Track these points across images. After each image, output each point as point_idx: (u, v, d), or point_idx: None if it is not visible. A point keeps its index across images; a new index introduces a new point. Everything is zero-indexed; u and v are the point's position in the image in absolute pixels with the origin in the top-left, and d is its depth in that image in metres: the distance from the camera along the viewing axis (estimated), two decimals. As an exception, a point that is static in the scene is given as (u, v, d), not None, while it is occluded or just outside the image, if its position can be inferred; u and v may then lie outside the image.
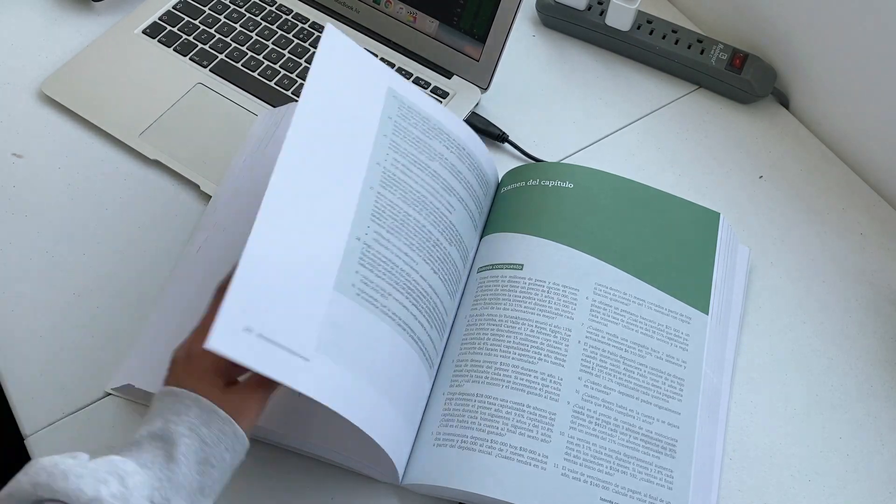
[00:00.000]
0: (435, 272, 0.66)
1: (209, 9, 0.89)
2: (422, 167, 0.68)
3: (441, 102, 0.84)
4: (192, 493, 0.51)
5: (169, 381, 0.55)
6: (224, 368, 0.54)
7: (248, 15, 0.89)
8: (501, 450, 0.61)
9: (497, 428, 0.62)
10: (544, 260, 0.69)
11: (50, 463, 0.48)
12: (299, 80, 0.84)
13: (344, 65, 0.66)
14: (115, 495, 0.47)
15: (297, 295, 0.56)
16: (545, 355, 0.65)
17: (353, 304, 0.59)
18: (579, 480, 0.60)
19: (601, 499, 0.60)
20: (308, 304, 0.57)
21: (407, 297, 0.63)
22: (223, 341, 0.51)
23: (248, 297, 0.53)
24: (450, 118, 0.72)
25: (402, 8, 0.86)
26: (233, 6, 0.89)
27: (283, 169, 0.58)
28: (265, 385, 0.55)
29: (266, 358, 0.52)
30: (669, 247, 0.72)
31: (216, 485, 0.52)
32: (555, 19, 0.92)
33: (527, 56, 0.92)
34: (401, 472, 0.62)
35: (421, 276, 0.64)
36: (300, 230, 0.58)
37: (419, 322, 0.63)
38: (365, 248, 0.61)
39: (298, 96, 0.83)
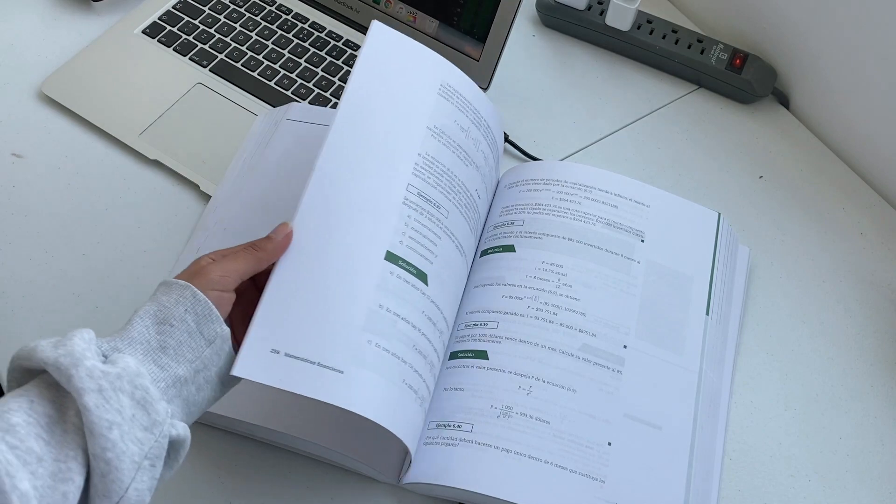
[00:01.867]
0: (457, 284, 0.67)
1: (209, 9, 0.89)
2: (465, 166, 0.68)
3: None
4: (152, 350, 0.50)
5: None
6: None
7: (247, 15, 0.89)
8: (501, 447, 0.61)
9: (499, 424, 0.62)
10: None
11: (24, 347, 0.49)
12: (299, 80, 0.84)
13: (392, 61, 0.66)
14: (50, 342, 0.47)
15: (329, 307, 0.56)
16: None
17: (392, 317, 0.59)
18: (577, 473, 0.60)
19: (608, 499, 0.60)
20: (343, 315, 0.56)
21: (441, 292, 0.63)
22: (250, 368, 0.51)
23: (275, 318, 0.53)
24: (493, 116, 0.73)
25: (402, 8, 0.86)
26: (233, 6, 0.89)
27: (317, 182, 0.59)
28: (233, 255, 0.55)
29: (297, 376, 0.52)
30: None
31: (182, 347, 0.51)
32: (555, 19, 0.92)
33: (527, 56, 0.92)
34: (395, 478, 0.62)
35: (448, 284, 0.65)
36: (335, 241, 0.58)
37: (444, 318, 0.64)
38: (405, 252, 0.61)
39: (298, 96, 0.83)
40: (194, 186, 0.78)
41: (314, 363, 0.54)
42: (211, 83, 0.84)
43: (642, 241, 0.72)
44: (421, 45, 0.69)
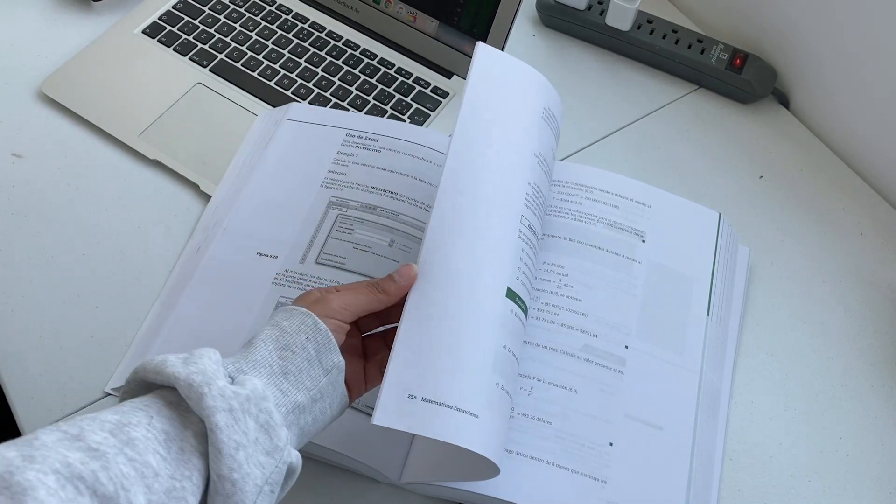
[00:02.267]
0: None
1: (209, 9, 0.89)
2: (549, 191, 0.68)
3: (441, 102, 0.84)
4: (274, 374, 0.50)
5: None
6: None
7: (247, 15, 0.89)
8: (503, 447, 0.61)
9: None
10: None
11: (153, 358, 0.49)
12: (299, 80, 0.84)
13: (501, 84, 0.65)
14: (179, 358, 0.48)
15: (461, 349, 0.54)
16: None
17: (511, 357, 0.58)
18: (578, 473, 0.60)
19: (608, 499, 0.60)
20: (475, 357, 0.55)
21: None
22: (388, 416, 0.50)
23: (409, 361, 0.53)
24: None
25: (402, 8, 0.86)
26: (232, 6, 0.89)
27: (438, 217, 0.58)
28: (354, 290, 0.56)
29: (435, 422, 0.51)
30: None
31: (302, 374, 0.51)
32: (555, 19, 0.92)
33: (527, 56, 0.92)
34: (395, 477, 0.62)
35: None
36: (462, 280, 0.56)
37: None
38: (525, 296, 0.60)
39: (298, 96, 0.83)
40: (194, 186, 0.78)
41: (451, 407, 0.52)
42: (211, 83, 0.84)
43: (643, 241, 0.72)
44: (525, 64, 0.67)
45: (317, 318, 0.52)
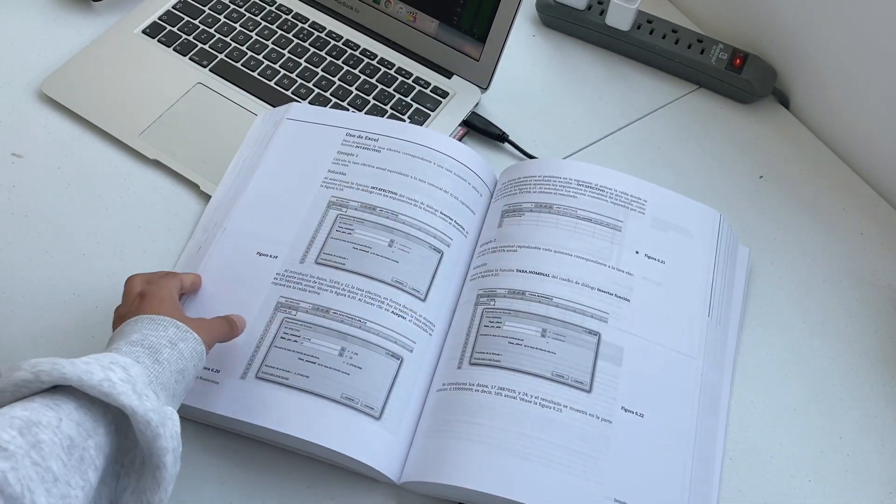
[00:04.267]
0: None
1: (209, 9, 0.89)
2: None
3: (441, 102, 0.84)
4: (170, 397, 0.54)
5: (125, 318, 0.58)
6: (176, 298, 0.62)
7: (247, 15, 0.89)
8: (499, 445, 0.61)
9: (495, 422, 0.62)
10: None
11: (47, 359, 0.49)
12: (299, 80, 0.84)
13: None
14: (123, 380, 0.49)
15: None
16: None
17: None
18: (579, 472, 0.60)
19: (609, 498, 0.60)
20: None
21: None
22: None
23: None
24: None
25: (402, 8, 0.86)
26: (232, 6, 0.89)
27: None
28: (222, 326, 0.62)
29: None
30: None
31: (180, 397, 0.56)
32: (555, 19, 0.92)
33: (527, 56, 0.92)
34: (394, 476, 0.62)
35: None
36: None
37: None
38: None
39: (298, 96, 0.83)
40: (194, 186, 0.78)
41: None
42: (211, 83, 0.84)
43: (641, 239, 0.72)
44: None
45: (204, 348, 0.58)
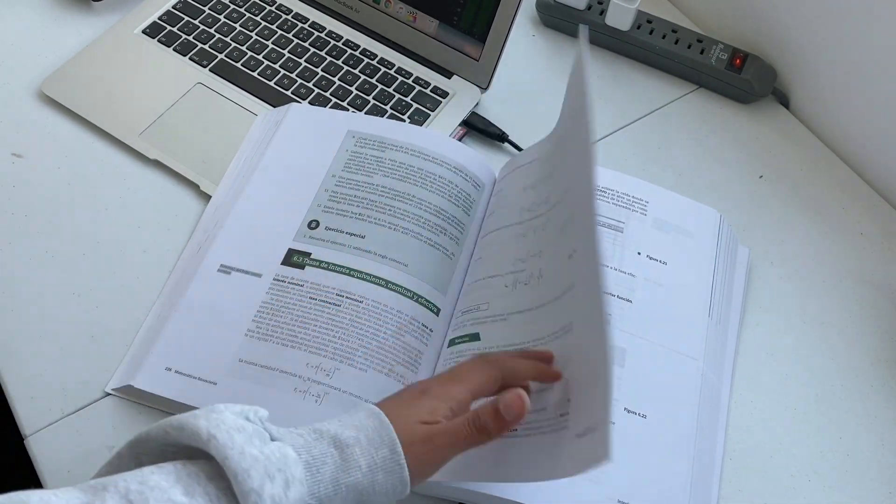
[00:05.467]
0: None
1: (209, 8, 0.89)
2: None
3: (441, 102, 0.84)
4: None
5: (392, 399, 0.53)
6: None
7: (247, 15, 0.89)
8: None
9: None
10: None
11: (234, 425, 0.45)
12: (299, 80, 0.84)
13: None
14: (273, 498, 0.44)
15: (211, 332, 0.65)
16: None
17: None
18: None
19: (609, 497, 0.60)
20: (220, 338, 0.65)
21: None
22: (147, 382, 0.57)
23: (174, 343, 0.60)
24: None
25: (402, 8, 0.86)
26: (232, 6, 0.89)
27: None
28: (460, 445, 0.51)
29: (180, 389, 0.64)
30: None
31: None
32: (555, 19, 0.92)
33: (527, 56, 0.92)
34: None
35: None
36: None
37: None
38: None
39: (298, 96, 0.83)
40: (194, 186, 0.78)
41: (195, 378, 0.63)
42: (211, 83, 0.84)
43: (643, 240, 0.72)
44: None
45: (407, 488, 0.48)
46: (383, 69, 0.86)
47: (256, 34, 0.87)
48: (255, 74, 0.85)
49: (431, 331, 0.68)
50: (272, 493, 0.44)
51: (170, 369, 0.64)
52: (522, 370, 0.55)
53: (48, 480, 0.63)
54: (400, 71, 0.86)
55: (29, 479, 0.62)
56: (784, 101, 0.90)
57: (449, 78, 0.86)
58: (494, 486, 0.60)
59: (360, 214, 0.72)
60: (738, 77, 0.87)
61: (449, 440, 0.50)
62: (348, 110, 0.82)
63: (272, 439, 0.47)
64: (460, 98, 0.84)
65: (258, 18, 0.88)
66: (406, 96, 0.84)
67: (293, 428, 0.49)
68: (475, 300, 0.68)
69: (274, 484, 0.44)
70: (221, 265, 0.70)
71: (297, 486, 0.45)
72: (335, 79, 0.85)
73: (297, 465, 0.46)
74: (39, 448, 0.65)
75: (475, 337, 0.66)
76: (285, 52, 0.86)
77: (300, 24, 0.88)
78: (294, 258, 0.70)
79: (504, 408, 0.50)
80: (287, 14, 0.89)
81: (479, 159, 0.77)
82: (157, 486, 0.43)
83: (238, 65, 0.85)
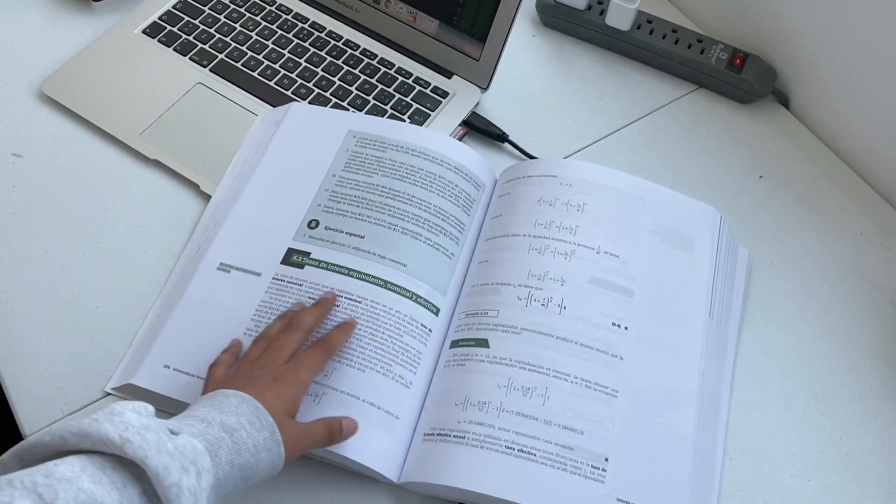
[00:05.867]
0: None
1: (209, 8, 0.89)
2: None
3: (441, 102, 0.84)
4: (220, 497, 0.52)
5: (246, 381, 0.58)
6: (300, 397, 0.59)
7: (247, 15, 0.89)
8: (495, 444, 0.61)
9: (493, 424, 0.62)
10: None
11: (140, 424, 0.47)
12: (299, 80, 0.84)
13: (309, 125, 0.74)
14: (191, 489, 0.47)
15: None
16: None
17: None
18: (579, 472, 0.60)
19: (610, 496, 0.60)
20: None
21: None
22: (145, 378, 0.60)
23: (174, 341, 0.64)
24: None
25: (402, 8, 0.86)
26: (233, 6, 0.89)
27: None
28: (321, 434, 0.59)
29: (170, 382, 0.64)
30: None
31: (228, 498, 0.53)
32: (555, 19, 0.92)
33: (527, 56, 0.92)
34: (394, 477, 0.62)
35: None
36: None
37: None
38: None
39: (298, 96, 0.83)
40: (194, 186, 0.78)
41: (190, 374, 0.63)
42: (211, 83, 0.84)
43: (643, 239, 0.72)
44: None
45: (282, 463, 0.55)
46: (383, 69, 0.86)
47: (256, 34, 0.87)
48: (255, 74, 0.85)
49: (431, 331, 0.68)
50: (189, 484, 0.47)
51: (168, 367, 0.64)
52: (339, 341, 0.64)
53: (48, 480, 0.63)
54: (400, 71, 0.86)
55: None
56: (784, 101, 0.90)
57: (449, 78, 0.86)
58: (494, 488, 0.60)
59: (359, 214, 0.72)
60: (738, 77, 0.87)
61: (310, 438, 0.58)
62: (348, 110, 0.82)
63: (172, 433, 0.50)
64: (460, 98, 0.84)
65: (258, 18, 0.88)
66: (406, 96, 0.84)
67: (176, 419, 0.53)
68: (481, 304, 0.68)
69: (189, 476, 0.48)
70: (221, 264, 0.70)
71: (206, 475, 0.49)
72: (335, 79, 0.85)
73: (204, 456, 0.50)
74: (39, 448, 0.65)
75: (483, 343, 0.66)
76: (285, 52, 0.86)
77: (300, 24, 0.88)
78: (293, 257, 0.70)
79: (345, 428, 0.60)
80: (287, 14, 0.89)
81: (480, 159, 0.77)
82: (64, 476, 0.44)
83: (238, 65, 0.85)
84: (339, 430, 0.59)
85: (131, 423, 0.47)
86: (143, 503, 0.46)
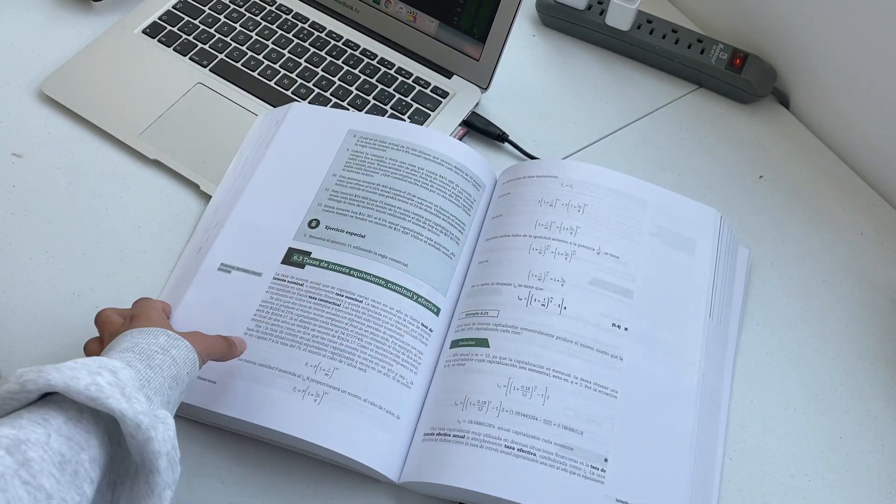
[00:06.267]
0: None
1: (209, 8, 0.89)
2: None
3: (441, 102, 0.84)
4: (164, 403, 0.52)
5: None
6: (164, 317, 0.62)
7: (247, 15, 0.89)
8: (495, 444, 0.61)
9: (492, 423, 0.62)
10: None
11: (32, 367, 0.47)
12: (299, 80, 0.84)
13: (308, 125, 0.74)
14: (111, 383, 0.48)
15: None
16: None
17: None
18: (579, 472, 0.61)
19: (609, 496, 0.60)
20: None
21: None
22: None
23: None
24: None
25: (402, 8, 0.86)
26: (233, 6, 0.89)
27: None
28: (218, 343, 0.61)
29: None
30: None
31: (175, 404, 0.54)
32: (555, 19, 0.93)
33: (527, 56, 0.92)
34: (394, 477, 0.62)
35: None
36: None
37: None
38: None
39: (298, 96, 0.83)
40: (194, 186, 0.78)
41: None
42: (211, 83, 0.84)
43: (643, 240, 0.72)
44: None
45: (196, 354, 0.57)
46: (383, 69, 0.86)
47: (256, 34, 0.87)
48: (255, 74, 0.85)
49: (431, 330, 0.68)
50: (107, 381, 0.48)
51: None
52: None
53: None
54: (400, 71, 0.86)
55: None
56: (784, 101, 0.90)
57: (449, 78, 0.86)
58: (494, 487, 0.60)
59: (360, 214, 0.72)
60: (738, 77, 0.87)
61: (206, 339, 0.60)
62: (348, 110, 0.82)
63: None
64: (460, 98, 0.84)
65: (258, 18, 0.88)
66: (406, 96, 0.84)
67: None
68: (482, 304, 0.68)
69: (102, 377, 0.48)
70: (222, 264, 0.70)
71: (123, 371, 0.50)
72: (335, 79, 0.85)
73: (112, 361, 0.50)
74: (39, 448, 0.65)
75: (483, 343, 0.66)
76: (285, 52, 0.86)
77: (300, 24, 0.88)
78: (294, 257, 0.70)
79: (238, 342, 0.63)
80: (287, 14, 0.89)
81: (480, 159, 0.77)
82: None
83: (238, 65, 0.85)
84: (234, 342, 0.62)
85: (46, 367, 0.48)
86: (70, 429, 0.46)
